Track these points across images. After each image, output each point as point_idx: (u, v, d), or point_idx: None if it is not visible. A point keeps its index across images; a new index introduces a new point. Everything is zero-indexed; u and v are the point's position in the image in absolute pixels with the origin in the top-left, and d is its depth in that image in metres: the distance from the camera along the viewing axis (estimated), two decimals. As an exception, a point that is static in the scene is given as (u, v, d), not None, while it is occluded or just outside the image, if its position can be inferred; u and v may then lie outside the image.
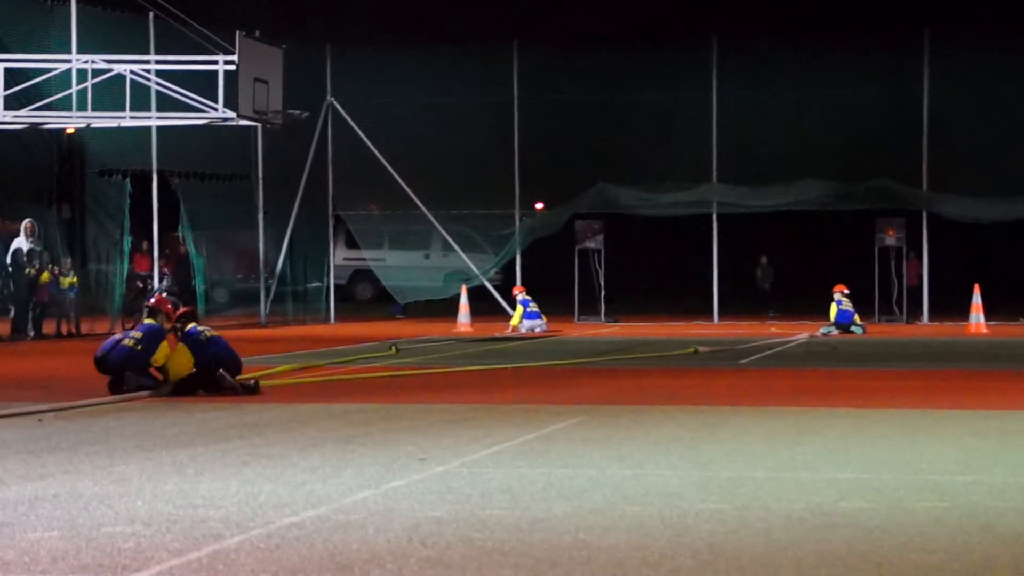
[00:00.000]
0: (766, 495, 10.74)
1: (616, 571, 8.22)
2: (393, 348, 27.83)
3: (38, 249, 31.98)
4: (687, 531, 9.34)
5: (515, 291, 37.53)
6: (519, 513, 9.92)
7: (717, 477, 11.71)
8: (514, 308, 36.79)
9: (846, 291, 35.51)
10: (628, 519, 9.74)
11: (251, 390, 18.61)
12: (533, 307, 36.73)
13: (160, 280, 36.48)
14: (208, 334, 18.95)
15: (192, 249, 38.23)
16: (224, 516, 9.81)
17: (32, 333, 31.75)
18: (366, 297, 49.09)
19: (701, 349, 28.00)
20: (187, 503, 10.33)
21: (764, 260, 44.66)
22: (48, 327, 32.46)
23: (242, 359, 19.38)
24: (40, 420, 15.92)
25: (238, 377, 18.72)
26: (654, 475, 11.85)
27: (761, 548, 8.85)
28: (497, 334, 34.82)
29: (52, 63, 30.44)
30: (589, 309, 40.71)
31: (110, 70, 30.06)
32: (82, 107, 30.24)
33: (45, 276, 31.86)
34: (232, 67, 28.88)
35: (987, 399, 18.44)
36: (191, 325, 18.98)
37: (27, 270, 31.49)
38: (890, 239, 39.72)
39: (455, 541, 9.01)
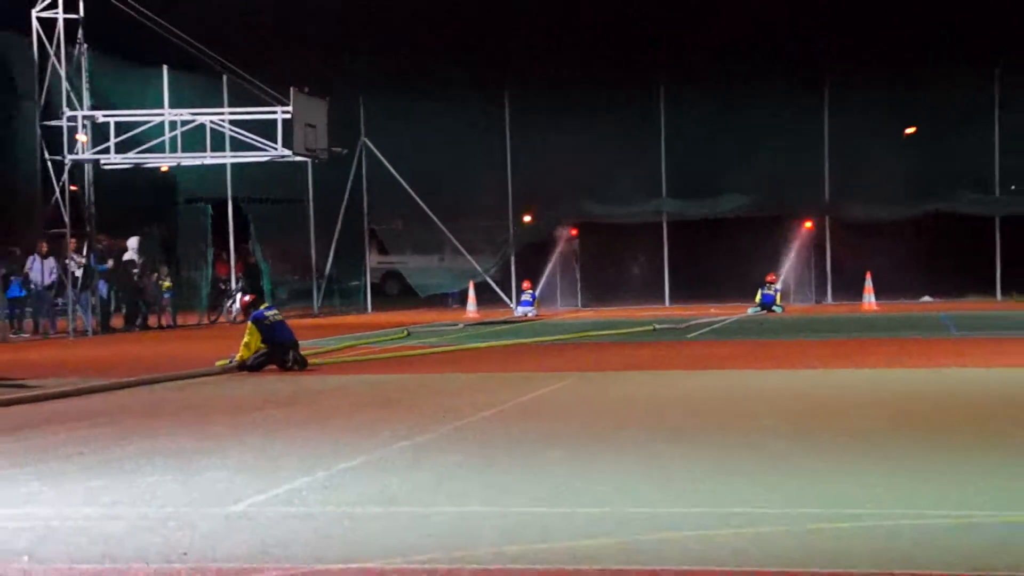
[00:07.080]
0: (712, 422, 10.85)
1: (599, 491, 8.35)
2: (405, 332, 27.69)
3: (142, 259, 32.29)
4: (658, 457, 9.48)
5: (524, 285, 37.64)
6: (523, 459, 10.01)
7: (672, 415, 11.85)
8: (512, 299, 36.74)
9: (774, 279, 36.00)
10: (609, 457, 9.88)
11: (303, 365, 18.61)
12: (526, 296, 36.84)
13: (236, 282, 36.60)
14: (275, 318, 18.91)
15: (260, 257, 38.44)
16: (296, 463, 9.92)
17: (139, 325, 31.90)
18: (394, 292, 49.15)
19: (657, 327, 28.07)
20: (265, 455, 10.44)
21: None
22: (150, 320, 32.62)
23: (301, 341, 19.44)
24: (152, 390, 16.05)
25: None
26: (629, 424, 11.97)
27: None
28: (496, 318, 34.93)
29: (150, 116, 30.58)
30: (569, 297, 40.83)
31: (194, 120, 30.20)
32: (173, 149, 30.42)
33: (149, 280, 32.08)
34: (287, 115, 29.02)
35: (871, 359, 18.57)
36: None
37: (134, 276, 31.80)
38: (801, 238, 39.95)
39: (472, 477, 9.13)
